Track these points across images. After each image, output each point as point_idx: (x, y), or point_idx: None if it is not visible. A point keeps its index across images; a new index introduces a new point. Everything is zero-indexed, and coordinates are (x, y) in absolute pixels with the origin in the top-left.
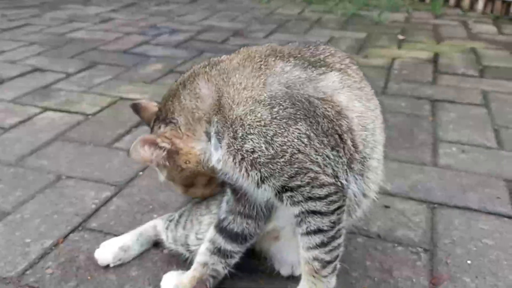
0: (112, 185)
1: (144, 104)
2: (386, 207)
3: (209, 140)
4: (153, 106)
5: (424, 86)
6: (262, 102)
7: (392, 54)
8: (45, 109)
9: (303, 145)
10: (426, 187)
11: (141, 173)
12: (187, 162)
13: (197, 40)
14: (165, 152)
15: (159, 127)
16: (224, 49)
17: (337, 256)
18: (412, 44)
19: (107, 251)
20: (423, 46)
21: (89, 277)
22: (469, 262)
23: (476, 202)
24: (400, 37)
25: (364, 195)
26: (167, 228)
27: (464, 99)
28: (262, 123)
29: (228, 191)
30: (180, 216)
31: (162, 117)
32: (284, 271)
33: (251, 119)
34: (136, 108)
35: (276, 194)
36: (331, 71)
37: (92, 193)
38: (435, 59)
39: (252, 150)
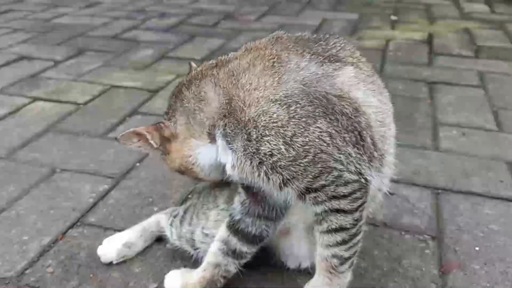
0: (108, 177)
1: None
2: (391, 194)
3: (213, 141)
4: None
5: (420, 67)
6: (278, 102)
7: (386, 36)
8: (34, 99)
9: (325, 144)
10: (429, 172)
11: (138, 164)
12: (172, 162)
13: (188, 24)
14: (152, 149)
15: (165, 118)
16: (216, 33)
17: (356, 252)
18: (406, 24)
19: (111, 248)
20: (416, 27)
21: (91, 275)
22: (477, 248)
23: (479, 186)
24: (393, 17)
25: (379, 190)
26: (171, 225)
27: (461, 80)
28: (279, 123)
29: (243, 192)
30: (185, 212)
31: (167, 111)
32: (292, 264)
33: (265, 119)
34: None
35: (299, 195)
36: (345, 66)
37: (89, 186)
38: (429, 40)
39: (270, 153)
